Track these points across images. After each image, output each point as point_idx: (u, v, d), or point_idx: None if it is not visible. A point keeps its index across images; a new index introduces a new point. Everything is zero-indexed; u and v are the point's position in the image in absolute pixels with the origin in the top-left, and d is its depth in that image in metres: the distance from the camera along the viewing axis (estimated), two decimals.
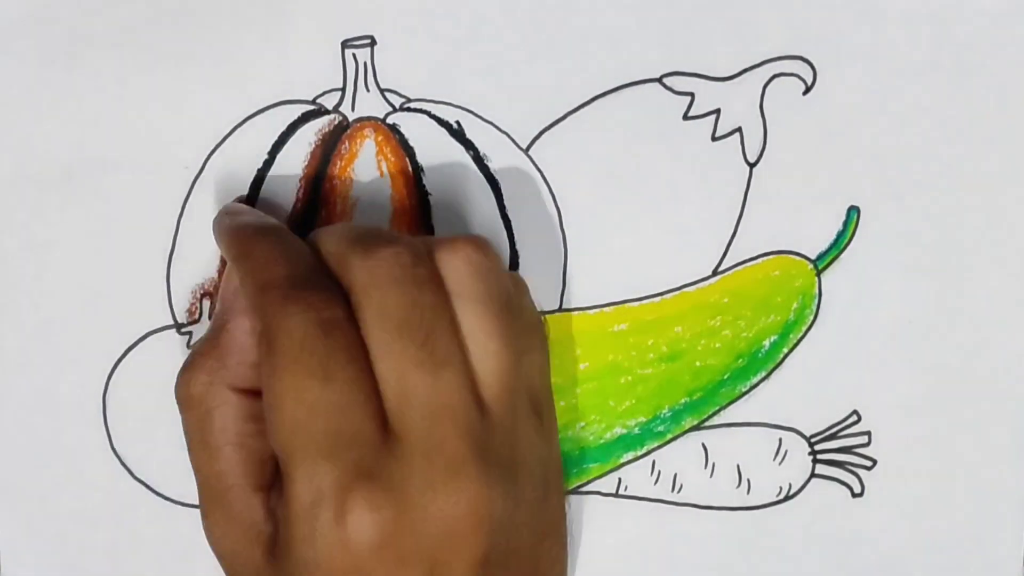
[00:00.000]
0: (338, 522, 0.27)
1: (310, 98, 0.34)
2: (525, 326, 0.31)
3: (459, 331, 0.29)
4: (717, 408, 0.36)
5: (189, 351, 0.32)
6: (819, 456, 0.36)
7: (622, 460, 0.36)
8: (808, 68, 0.35)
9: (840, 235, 0.35)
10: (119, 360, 0.35)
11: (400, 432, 0.27)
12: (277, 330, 0.28)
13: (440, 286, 0.29)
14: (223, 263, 0.35)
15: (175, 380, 0.31)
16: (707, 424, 0.36)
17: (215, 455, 0.30)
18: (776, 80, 0.35)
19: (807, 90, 0.35)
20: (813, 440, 0.36)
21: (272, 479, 0.30)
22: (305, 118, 0.34)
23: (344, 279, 0.29)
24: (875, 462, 0.36)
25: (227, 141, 0.34)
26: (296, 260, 0.29)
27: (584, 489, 0.36)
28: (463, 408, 0.28)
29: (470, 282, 0.29)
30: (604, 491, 0.36)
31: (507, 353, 0.29)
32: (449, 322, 0.28)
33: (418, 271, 0.28)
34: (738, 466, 0.36)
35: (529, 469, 0.30)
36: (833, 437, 0.36)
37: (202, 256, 0.35)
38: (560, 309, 0.35)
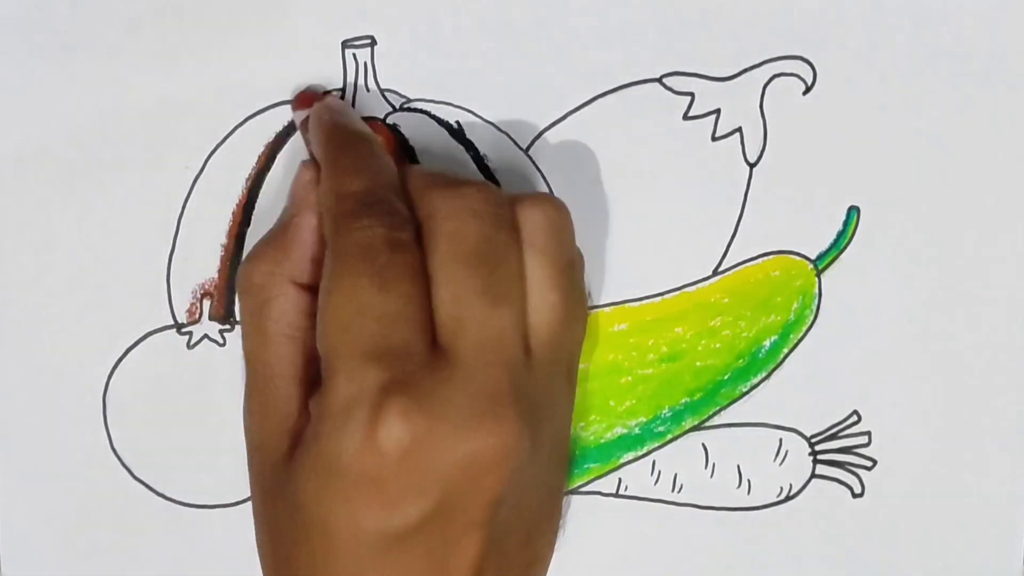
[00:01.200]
0: (370, 423, 0.27)
1: None
2: (580, 297, 0.32)
3: (523, 279, 0.29)
4: (717, 408, 0.36)
5: (260, 239, 0.32)
6: (819, 456, 0.36)
7: (622, 460, 0.36)
8: (808, 68, 0.35)
9: (840, 235, 0.35)
10: (119, 360, 0.35)
11: (448, 354, 0.28)
12: (344, 237, 0.28)
13: (515, 232, 0.29)
14: (223, 261, 0.35)
15: (239, 269, 0.32)
16: (707, 424, 0.36)
17: (267, 342, 0.31)
18: (776, 80, 0.35)
19: (807, 90, 0.35)
20: (813, 440, 0.36)
21: (315, 378, 0.30)
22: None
23: (423, 210, 0.29)
24: (875, 462, 0.36)
25: (227, 141, 0.34)
26: (379, 176, 0.30)
27: (584, 489, 0.36)
28: (512, 346, 0.28)
29: (544, 235, 0.29)
30: (604, 491, 0.36)
31: (563, 308, 0.29)
32: (516, 266, 0.29)
33: (500, 211, 0.29)
34: (738, 466, 0.36)
35: (553, 427, 0.31)
36: (833, 437, 0.36)
37: (202, 256, 0.35)
38: None
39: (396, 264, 0.28)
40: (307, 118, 0.33)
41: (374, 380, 0.27)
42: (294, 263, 0.31)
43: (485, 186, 0.30)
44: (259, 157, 0.34)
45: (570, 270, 0.30)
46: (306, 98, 0.33)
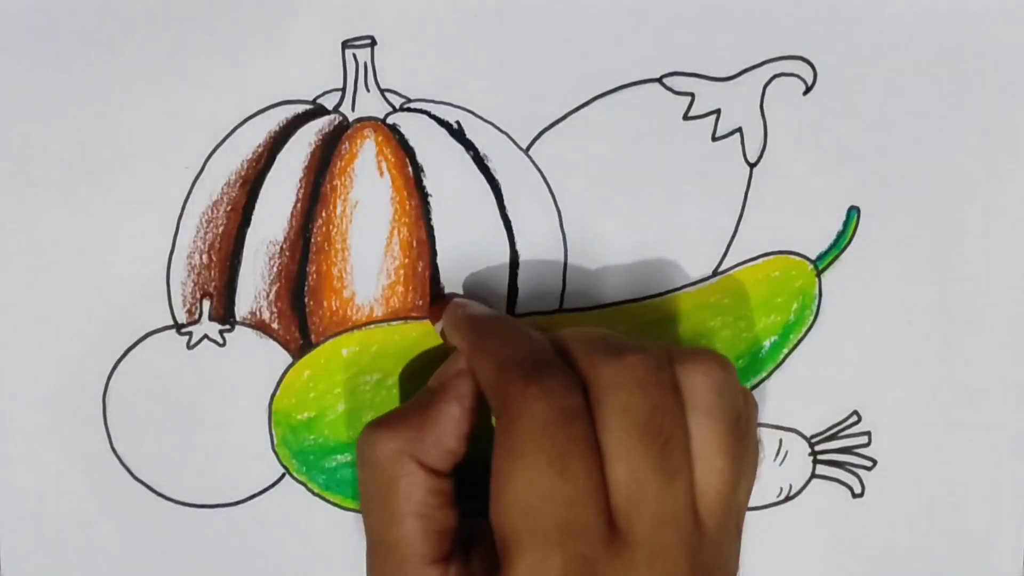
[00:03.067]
0: None
1: (310, 98, 0.34)
2: (749, 448, 0.31)
3: (690, 442, 0.29)
4: None
5: (392, 412, 0.32)
6: (819, 456, 0.36)
7: None
8: (808, 68, 0.35)
9: (840, 235, 0.35)
10: (119, 360, 0.35)
11: (625, 533, 0.27)
12: (518, 412, 0.28)
13: (679, 395, 0.29)
14: (223, 261, 0.35)
15: (362, 433, 0.31)
16: None
17: (396, 522, 0.30)
18: (776, 80, 0.35)
19: (807, 90, 0.35)
20: (813, 440, 0.36)
21: (449, 552, 0.30)
22: (305, 118, 0.34)
23: (586, 376, 0.29)
24: (875, 462, 0.36)
25: (227, 141, 0.34)
26: (535, 345, 0.30)
27: None
28: (685, 520, 0.28)
29: (708, 396, 0.29)
30: None
31: (731, 471, 0.29)
32: (684, 431, 0.29)
33: (662, 376, 0.29)
34: None
35: None
36: (833, 437, 0.36)
37: (202, 256, 0.35)
38: (560, 309, 0.35)
39: (573, 440, 0.27)
40: (442, 330, 0.33)
41: (559, 565, 0.27)
42: (426, 448, 0.30)
43: (646, 351, 0.29)
44: (259, 157, 0.34)
45: (736, 429, 0.29)
46: (438, 308, 0.34)
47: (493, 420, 0.29)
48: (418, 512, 0.30)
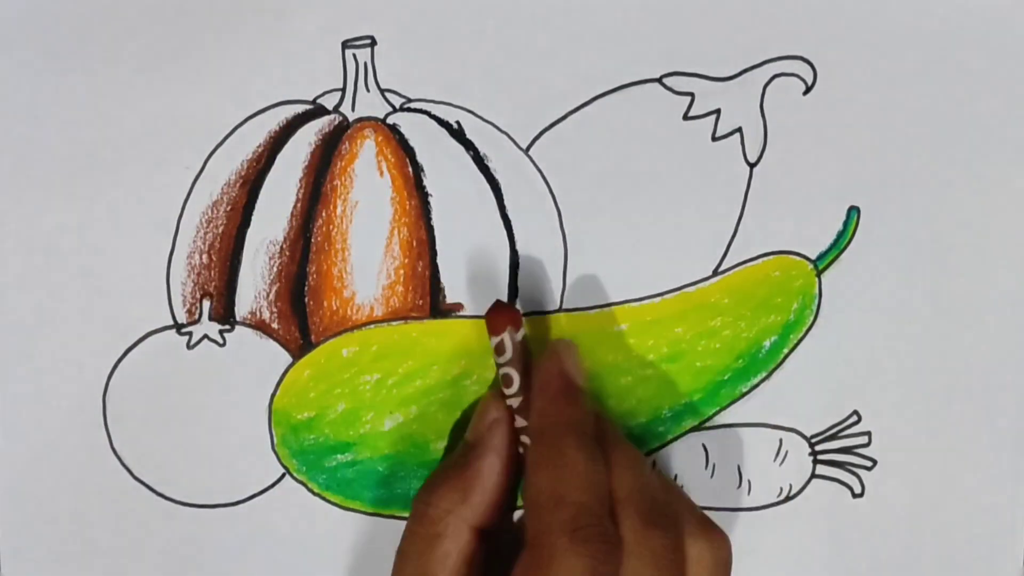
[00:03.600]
0: None
1: (310, 98, 0.34)
2: None
3: None
4: (718, 409, 0.36)
5: (436, 471, 0.33)
6: (819, 456, 0.36)
7: None
8: (808, 68, 0.35)
9: (840, 235, 0.35)
10: (119, 360, 0.35)
11: None
12: (551, 552, 0.29)
13: (683, 566, 0.31)
14: (223, 261, 0.35)
15: (420, 491, 0.32)
16: (708, 425, 0.36)
17: None
18: (776, 80, 0.35)
19: (807, 90, 0.35)
20: (813, 440, 0.36)
21: None
22: (305, 118, 0.34)
23: (621, 531, 0.30)
24: (875, 462, 0.36)
25: (227, 141, 0.34)
26: (594, 490, 0.30)
27: None
28: None
29: (711, 573, 0.31)
30: None
31: None
32: None
33: (675, 557, 0.30)
34: (739, 466, 0.36)
35: None
36: (833, 437, 0.36)
37: (202, 256, 0.35)
38: (560, 309, 0.35)
39: None
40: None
41: None
42: (472, 507, 0.32)
43: (674, 529, 0.31)
44: (259, 157, 0.34)
45: None
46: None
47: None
48: (451, 573, 0.31)
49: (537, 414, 0.32)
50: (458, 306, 0.35)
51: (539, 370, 0.33)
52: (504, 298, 0.35)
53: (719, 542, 0.32)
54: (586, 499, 0.30)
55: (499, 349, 0.32)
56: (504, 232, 0.35)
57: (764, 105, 0.35)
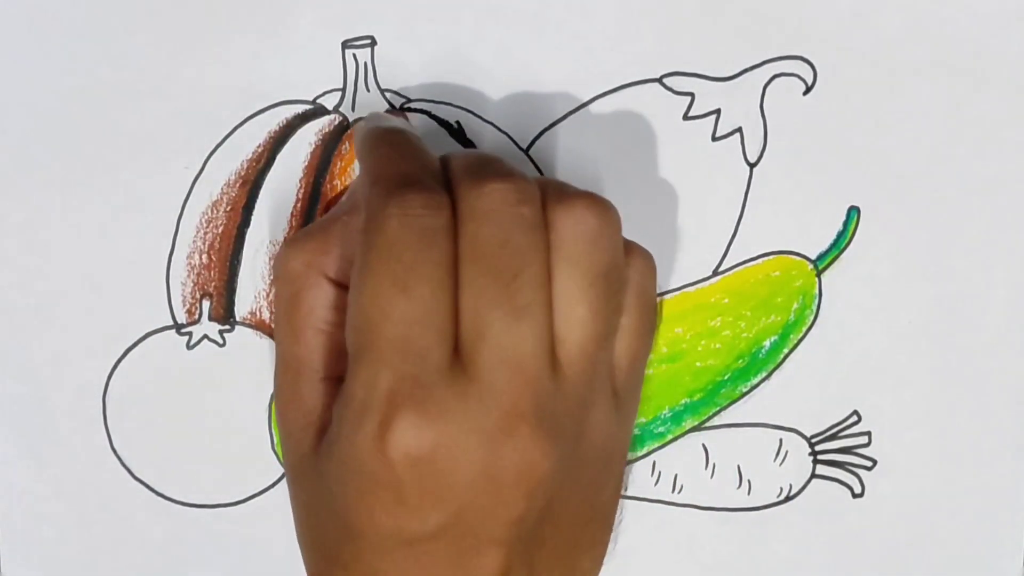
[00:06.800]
0: (381, 429, 0.26)
1: (310, 98, 0.34)
2: (626, 305, 0.30)
3: (550, 287, 0.28)
4: (717, 409, 0.36)
5: (304, 228, 0.32)
6: (819, 456, 0.36)
7: None
8: (808, 68, 0.35)
9: (840, 235, 0.35)
10: (119, 360, 0.35)
11: (466, 366, 0.27)
12: (374, 226, 0.27)
13: (541, 234, 0.28)
14: (223, 261, 0.35)
15: (278, 253, 0.31)
16: (708, 425, 0.36)
17: (297, 336, 0.30)
18: (776, 80, 0.35)
19: (807, 90, 0.35)
20: (813, 440, 0.36)
21: (343, 374, 0.29)
22: (305, 118, 0.34)
23: (455, 200, 0.28)
24: (875, 462, 0.36)
25: (227, 141, 0.34)
26: (414, 162, 0.29)
27: None
28: (534, 362, 0.27)
29: (573, 243, 0.28)
30: None
31: (594, 323, 0.28)
32: (541, 273, 0.27)
33: (521, 211, 0.27)
34: (739, 467, 0.36)
35: (592, 446, 0.30)
36: (833, 437, 0.36)
37: (202, 256, 0.35)
38: None
39: (423, 263, 0.27)
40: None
41: (388, 384, 0.26)
42: (331, 259, 0.30)
43: (512, 181, 0.28)
44: (259, 157, 0.34)
45: (603, 281, 0.28)
46: None
47: None
48: (319, 328, 0.30)
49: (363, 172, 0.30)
50: None
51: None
52: None
53: (590, 210, 0.28)
54: (414, 166, 0.28)
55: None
56: None
57: (764, 105, 0.35)
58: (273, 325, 0.31)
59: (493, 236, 0.27)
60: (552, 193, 0.28)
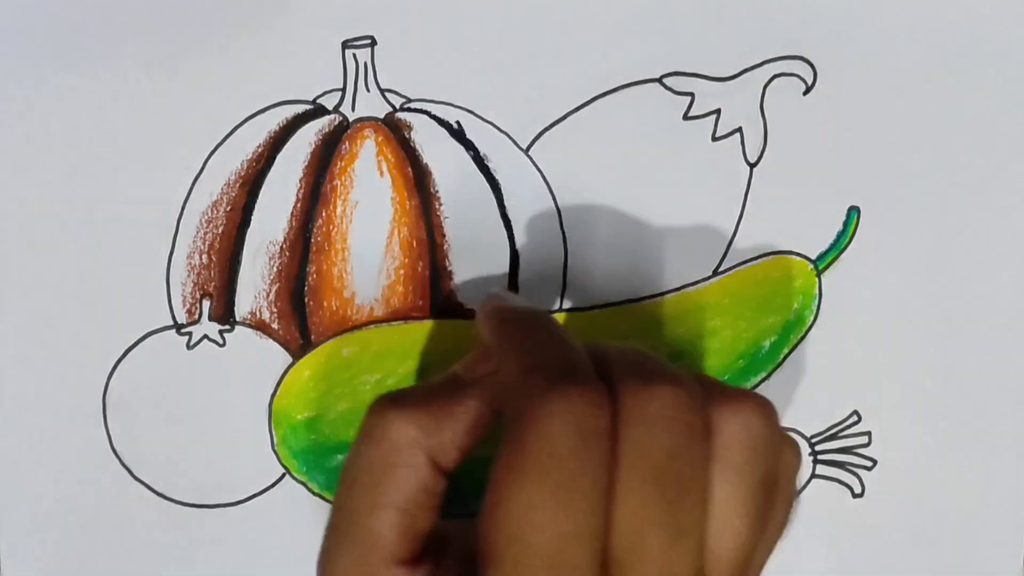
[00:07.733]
0: None
1: (310, 98, 0.34)
2: (778, 508, 0.28)
3: (709, 494, 0.26)
4: None
5: (405, 389, 0.29)
6: (819, 456, 0.36)
7: None
8: (808, 68, 0.35)
9: (840, 235, 0.35)
10: (119, 360, 0.35)
11: None
12: (534, 424, 0.24)
13: (707, 440, 0.26)
14: (223, 261, 0.35)
15: (375, 402, 0.28)
16: None
17: (378, 511, 0.27)
18: (776, 80, 0.35)
19: (807, 90, 0.35)
20: (813, 440, 0.36)
21: (419, 554, 0.28)
22: (305, 118, 0.34)
23: (616, 397, 0.26)
24: (875, 462, 0.36)
25: (227, 141, 0.34)
26: (569, 351, 0.27)
27: None
28: None
29: (739, 451, 0.26)
30: None
31: (749, 535, 0.26)
32: (703, 484, 0.26)
33: (691, 419, 0.25)
34: None
35: None
36: (833, 437, 0.36)
37: (202, 256, 0.35)
38: (560, 309, 0.35)
39: (584, 472, 0.24)
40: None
41: None
42: (441, 443, 0.27)
43: (681, 385, 0.26)
44: (259, 157, 0.34)
45: (763, 489, 0.26)
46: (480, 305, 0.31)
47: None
48: (403, 508, 0.27)
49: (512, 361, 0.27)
50: (458, 306, 0.35)
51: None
52: None
53: (755, 413, 0.26)
54: (569, 356, 0.26)
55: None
56: (504, 232, 0.35)
57: (764, 105, 0.35)
58: (340, 480, 0.28)
59: (662, 447, 0.25)
60: (715, 394, 0.27)
